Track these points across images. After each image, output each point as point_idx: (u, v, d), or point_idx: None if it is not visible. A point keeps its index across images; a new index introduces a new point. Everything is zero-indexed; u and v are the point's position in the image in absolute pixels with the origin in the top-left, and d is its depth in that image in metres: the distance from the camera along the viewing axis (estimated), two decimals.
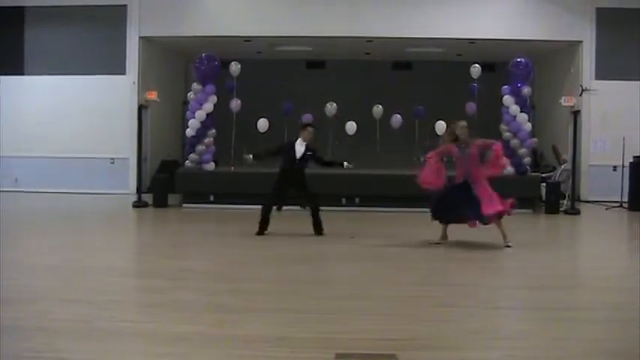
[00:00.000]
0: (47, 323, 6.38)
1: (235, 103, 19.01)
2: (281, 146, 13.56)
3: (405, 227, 14.97)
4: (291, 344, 5.69)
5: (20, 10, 22.30)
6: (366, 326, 6.33)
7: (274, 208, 13.09)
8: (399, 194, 17.55)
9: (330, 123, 20.74)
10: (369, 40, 21.60)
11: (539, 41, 21.35)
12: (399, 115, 21.07)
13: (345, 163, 13.42)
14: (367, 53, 23.98)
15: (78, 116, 21.69)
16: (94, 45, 22.01)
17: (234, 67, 19.25)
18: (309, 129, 13.02)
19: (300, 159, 12.82)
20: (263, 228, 12.80)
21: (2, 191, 20.90)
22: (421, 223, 15.60)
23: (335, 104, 20.57)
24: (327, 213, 16.79)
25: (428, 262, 10.29)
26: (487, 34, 20.96)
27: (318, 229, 12.91)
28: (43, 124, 21.67)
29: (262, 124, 19.66)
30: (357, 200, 17.78)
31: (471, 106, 19.82)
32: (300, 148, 12.83)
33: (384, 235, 13.39)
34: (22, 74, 22.31)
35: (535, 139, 18.88)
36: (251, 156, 13.95)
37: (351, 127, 20.62)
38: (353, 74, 25.06)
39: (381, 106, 21.29)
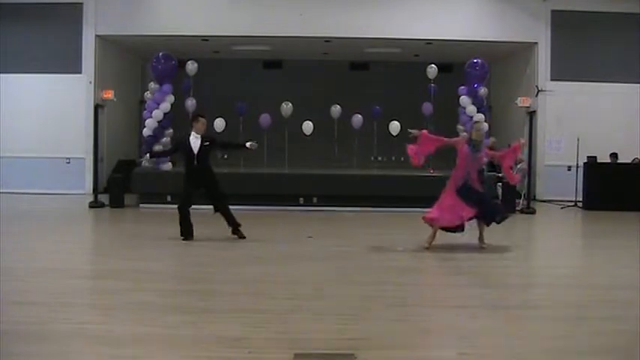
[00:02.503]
0: (1, 326, 6.30)
1: (190, 103, 18.92)
2: (177, 142, 13.05)
3: (362, 227, 15.02)
4: (249, 345, 5.70)
5: None
6: (324, 326, 6.35)
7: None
8: (357, 194, 17.64)
9: (285, 123, 20.72)
10: (327, 40, 21.65)
11: (496, 42, 21.57)
12: (360, 115, 21.13)
13: (249, 143, 13.05)
14: (325, 53, 24.01)
15: (33, 115, 21.44)
16: (50, 43, 21.76)
17: (191, 67, 19.17)
18: (201, 119, 12.43)
19: (198, 153, 12.27)
20: (186, 231, 12.37)
21: None
22: (378, 223, 15.72)
23: (290, 104, 20.57)
24: (284, 212, 16.87)
25: (384, 262, 10.33)
26: (444, 34, 21.11)
27: (237, 231, 12.59)
28: None
29: (219, 123, 19.60)
30: (314, 200, 17.79)
31: (427, 107, 19.93)
32: (195, 141, 12.26)
33: (342, 235, 13.43)
34: None
35: (492, 139, 19.03)
36: (148, 155, 13.91)
37: (307, 126, 20.63)
38: (310, 74, 25.09)
39: (339, 106, 21.33)
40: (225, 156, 22.98)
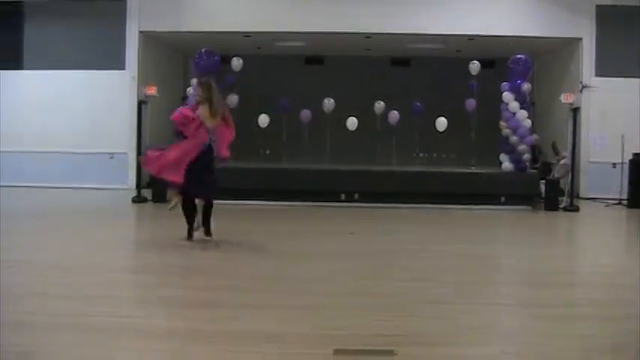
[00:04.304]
0: (36, 318, 6.38)
1: (232, 99, 19.00)
2: None
3: (403, 223, 14.97)
4: (287, 340, 5.69)
5: (19, 4, 22.32)
6: (364, 322, 6.32)
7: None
8: (399, 190, 17.57)
9: (327, 119, 20.72)
10: (368, 36, 21.59)
11: (539, 38, 21.35)
12: (396, 112, 21.07)
13: None
14: (367, 49, 23.95)
15: (77, 111, 21.70)
16: (94, 40, 22.02)
17: (236, 62, 19.27)
18: None
19: None
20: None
21: (2, 186, 20.91)
22: (419, 219, 15.66)
23: (332, 100, 20.56)
24: (326, 209, 16.86)
25: (423, 259, 10.27)
26: (487, 30, 20.95)
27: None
28: (42, 119, 21.67)
29: (263, 119, 19.66)
30: (356, 196, 17.75)
31: (470, 103, 19.81)
32: None
33: (383, 232, 13.39)
34: (22, 69, 22.33)
35: (536, 136, 18.86)
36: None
37: (351, 122, 20.61)
38: (352, 70, 25.06)
39: (382, 103, 21.28)
40: (268, 151, 23.08)
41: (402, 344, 5.58)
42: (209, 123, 10.90)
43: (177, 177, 10.81)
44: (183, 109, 11.23)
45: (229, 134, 11.20)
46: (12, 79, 21.98)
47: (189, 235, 11.33)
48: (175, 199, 11.21)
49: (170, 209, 11.24)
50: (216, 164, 11.20)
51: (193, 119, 10.86)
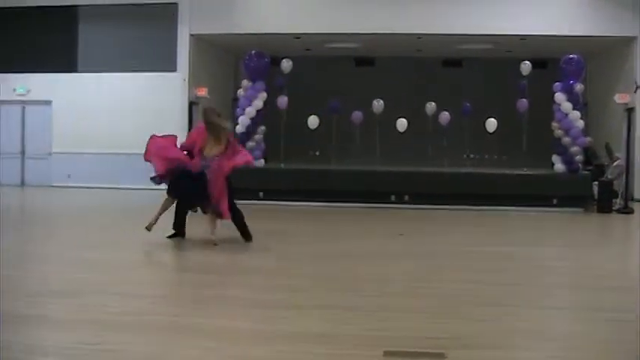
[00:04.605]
0: (97, 316, 6.49)
1: (282, 100, 19.07)
2: None
3: (454, 225, 14.89)
4: (338, 341, 5.69)
5: (74, 8, 22.67)
6: (414, 324, 6.31)
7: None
8: (449, 192, 17.47)
9: (377, 120, 20.69)
10: (419, 37, 21.52)
11: (592, 37, 21.07)
12: (446, 112, 20.97)
13: None
14: (417, 50, 23.87)
15: (129, 113, 21.95)
16: (146, 42, 22.28)
17: (286, 64, 19.33)
18: None
19: None
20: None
21: (56, 187, 21.26)
22: (470, 221, 15.56)
23: (382, 101, 20.50)
24: (375, 210, 16.84)
25: (475, 261, 10.20)
26: (538, 30, 20.73)
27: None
28: (95, 121, 21.96)
29: (312, 120, 19.72)
30: (406, 197, 17.70)
31: (522, 104, 19.61)
32: None
33: (433, 233, 13.35)
34: (76, 72, 22.68)
35: (589, 139, 18.61)
36: None
37: (401, 124, 20.55)
38: (402, 71, 24.96)
39: (434, 104, 21.19)
40: (317, 152, 23.12)
41: (452, 347, 5.55)
42: (207, 151, 10.93)
43: (161, 167, 10.89)
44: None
45: (228, 165, 10.97)
46: (66, 81, 22.31)
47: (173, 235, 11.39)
48: (152, 221, 11.11)
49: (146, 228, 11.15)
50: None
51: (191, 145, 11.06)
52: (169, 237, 11.27)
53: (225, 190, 10.91)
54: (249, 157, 11.52)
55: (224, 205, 10.87)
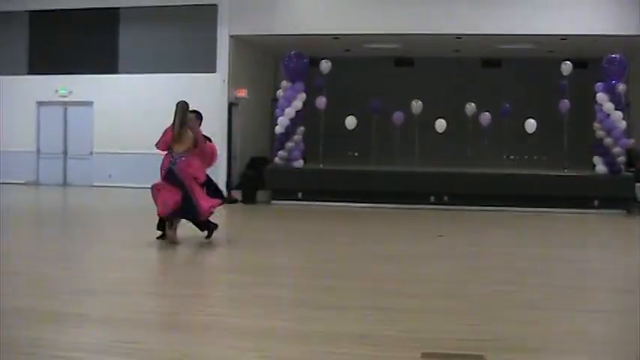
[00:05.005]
0: (136, 315, 6.55)
1: (320, 101, 19.09)
2: None
3: (494, 227, 14.81)
4: (376, 342, 5.68)
5: (115, 10, 22.89)
6: (452, 326, 6.28)
7: None
8: (489, 193, 17.36)
9: (415, 121, 20.61)
10: (458, 37, 21.38)
11: (634, 36, 20.78)
12: (487, 113, 20.82)
13: None
14: (456, 50, 23.74)
15: (169, 114, 22.01)
16: (186, 43, 22.41)
17: (325, 65, 19.34)
18: (190, 115, 11.89)
19: None
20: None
21: (97, 187, 21.47)
22: (510, 223, 15.46)
23: (420, 102, 20.41)
24: (414, 211, 16.79)
25: (517, 263, 10.13)
26: (579, 29, 20.46)
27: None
28: (135, 121, 22.13)
29: (350, 121, 19.70)
30: (445, 198, 17.62)
31: (563, 104, 19.40)
32: None
33: (472, 234, 13.28)
34: (117, 73, 22.89)
35: (633, 140, 18.36)
36: None
37: (440, 124, 20.47)
38: (441, 72, 24.81)
39: (473, 104, 21.06)
40: (356, 153, 23.11)
41: (491, 349, 5.52)
42: (176, 148, 10.99)
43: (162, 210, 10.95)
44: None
45: (197, 164, 11.09)
46: (107, 82, 22.52)
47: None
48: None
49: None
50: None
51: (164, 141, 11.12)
52: (158, 238, 11.23)
53: (198, 188, 10.92)
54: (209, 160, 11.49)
55: (203, 205, 10.85)
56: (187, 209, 10.82)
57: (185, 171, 10.83)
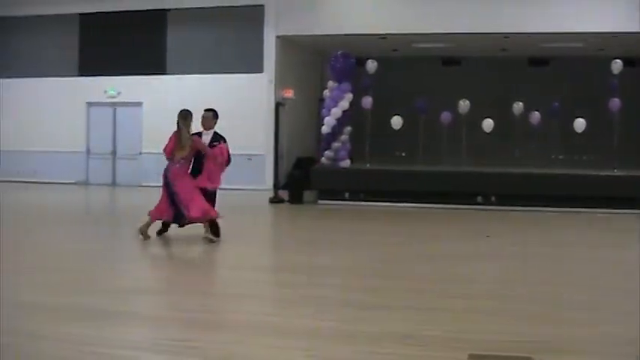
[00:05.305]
0: (184, 314, 6.62)
1: (366, 101, 19.06)
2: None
3: (542, 227, 14.66)
4: (422, 342, 5.66)
5: (163, 12, 23.12)
6: (500, 327, 6.23)
7: None
8: (537, 193, 17.18)
9: (463, 120, 20.47)
10: (506, 36, 21.21)
11: None
12: (537, 113, 20.61)
13: None
14: (503, 49, 23.55)
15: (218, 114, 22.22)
16: (233, 44, 22.57)
17: (371, 65, 19.30)
18: (205, 114, 12.01)
19: None
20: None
21: (145, 186, 21.66)
22: (559, 224, 15.29)
23: (467, 101, 20.26)
24: (462, 211, 16.70)
25: (565, 264, 10.03)
26: (631, 26, 20.15)
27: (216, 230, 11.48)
28: None
29: (395, 121, 19.64)
30: (492, 199, 17.46)
31: (614, 103, 19.12)
32: (206, 138, 11.62)
33: (520, 234, 13.17)
34: (165, 74, 23.12)
35: None
36: None
37: (487, 124, 20.31)
38: (488, 71, 24.64)
39: (521, 103, 20.86)
40: (403, 153, 23.07)
41: (540, 351, 5.45)
42: (178, 154, 11.09)
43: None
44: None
45: (210, 168, 11.18)
46: (156, 83, 22.74)
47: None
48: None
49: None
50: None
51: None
52: (158, 233, 11.31)
53: (194, 191, 10.96)
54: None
55: (194, 209, 10.86)
56: (177, 215, 10.95)
57: (177, 175, 11.00)
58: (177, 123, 11.18)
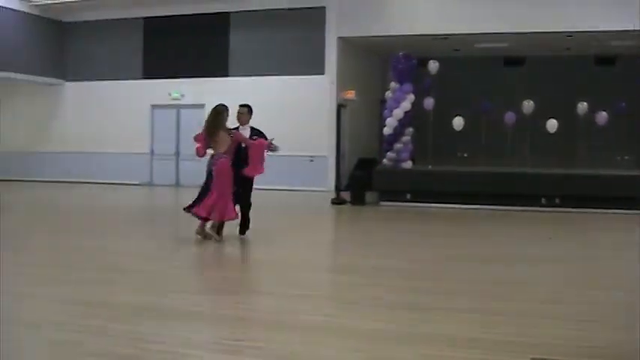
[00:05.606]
0: (246, 314, 6.69)
1: (428, 102, 18.99)
2: None
3: (606, 229, 14.44)
4: (483, 345, 5.63)
5: (225, 15, 23.35)
6: (563, 331, 6.15)
7: None
8: (603, 194, 16.88)
9: (527, 121, 20.25)
10: (570, 35, 20.92)
11: None
12: (604, 112, 20.29)
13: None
14: (567, 48, 23.22)
15: (278, 115, 22.34)
16: (294, 46, 22.69)
17: (432, 65, 19.23)
18: (241, 110, 11.84)
19: None
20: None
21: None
22: (625, 226, 15.02)
23: (532, 102, 20.03)
24: (525, 213, 16.52)
25: (628, 267, 9.80)
26: None
27: (244, 229, 11.73)
28: None
29: (457, 122, 19.52)
30: (557, 200, 17.22)
31: None
32: (245, 133, 11.54)
33: (584, 237, 12.99)
34: (227, 76, 23.35)
35: None
36: None
37: (551, 124, 20.04)
38: (552, 70, 24.31)
39: (585, 103, 20.55)
40: (466, 154, 22.93)
41: (603, 357, 5.39)
42: (218, 149, 11.10)
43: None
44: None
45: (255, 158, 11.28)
46: (219, 85, 22.96)
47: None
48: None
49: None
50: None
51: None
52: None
53: (228, 191, 11.02)
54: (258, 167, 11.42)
55: (225, 209, 10.98)
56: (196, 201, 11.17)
57: (221, 172, 11.01)
58: (209, 119, 11.16)
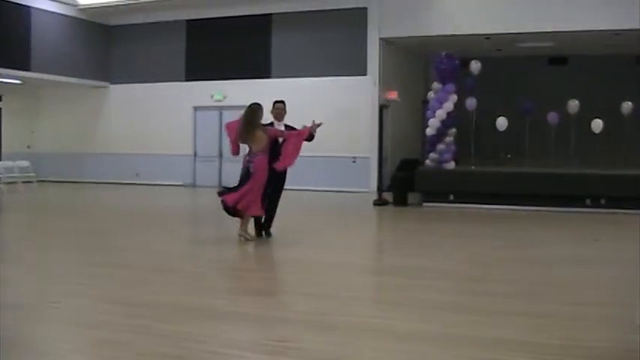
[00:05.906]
0: (288, 315, 6.72)
1: (471, 102, 18.88)
2: None
3: None
4: (534, 349, 5.56)
5: (268, 17, 23.45)
6: (612, 335, 6.07)
7: None
8: None
9: (571, 121, 20.05)
10: (617, 33, 20.65)
11: None
12: None
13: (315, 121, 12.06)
14: (611, 47, 22.91)
15: (321, 116, 22.27)
16: (336, 47, 22.71)
17: (475, 66, 19.12)
18: (278, 106, 12.07)
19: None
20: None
21: None
22: None
23: (577, 101, 19.83)
24: (570, 214, 16.35)
25: None
26: None
27: (268, 230, 11.75)
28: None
29: (501, 122, 19.39)
30: (602, 201, 17.01)
31: None
32: (280, 129, 11.61)
33: (631, 239, 12.80)
34: (269, 77, 23.43)
35: None
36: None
37: (596, 124, 19.81)
38: (597, 70, 24.02)
39: (630, 103, 20.27)
40: (509, 155, 22.77)
41: None
42: (254, 146, 11.17)
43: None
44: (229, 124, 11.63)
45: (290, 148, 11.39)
46: (261, 87, 23.03)
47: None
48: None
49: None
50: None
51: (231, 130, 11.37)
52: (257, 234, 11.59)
53: (260, 188, 11.06)
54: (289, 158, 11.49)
55: (252, 203, 11.03)
56: (230, 189, 11.35)
57: (259, 168, 11.05)
58: (244, 118, 11.33)
